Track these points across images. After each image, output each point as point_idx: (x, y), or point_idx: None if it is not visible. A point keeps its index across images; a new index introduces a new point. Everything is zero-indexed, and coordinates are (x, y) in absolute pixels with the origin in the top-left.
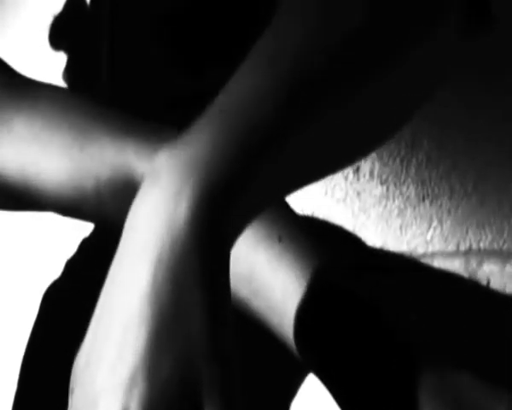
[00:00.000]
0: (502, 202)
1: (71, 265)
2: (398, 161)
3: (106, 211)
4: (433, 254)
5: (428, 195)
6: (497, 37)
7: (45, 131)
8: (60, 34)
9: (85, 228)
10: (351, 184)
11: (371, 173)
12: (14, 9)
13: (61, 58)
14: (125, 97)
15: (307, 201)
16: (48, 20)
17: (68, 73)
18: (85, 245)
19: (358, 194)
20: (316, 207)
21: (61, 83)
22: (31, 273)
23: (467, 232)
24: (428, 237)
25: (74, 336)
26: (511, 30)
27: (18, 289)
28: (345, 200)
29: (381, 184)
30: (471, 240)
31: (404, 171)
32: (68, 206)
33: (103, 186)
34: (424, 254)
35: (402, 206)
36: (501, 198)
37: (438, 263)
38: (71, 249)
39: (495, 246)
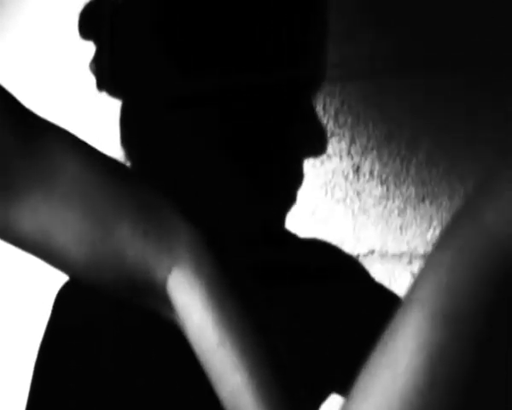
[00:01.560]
0: None
1: None
2: (398, 161)
3: (122, 295)
4: None
5: (428, 195)
6: (497, 37)
7: (64, 210)
8: (89, 24)
9: None
10: (351, 184)
11: (371, 173)
12: (13, 13)
13: (60, 58)
14: (125, 97)
15: (307, 201)
16: (66, 11)
17: (95, 64)
18: None
19: (358, 194)
20: (316, 207)
21: (61, 83)
22: (44, 273)
23: None
24: (428, 237)
25: (87, 338)
26: (511, 30)
27: (31, 289)
28: (345, 200)
29: (381, 184)
30: None
31: (404, 171)
32: (85, 281)
33: (121, 282)
34: (424, 254)
35: (402, 206)
36: None
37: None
38: None
39: None
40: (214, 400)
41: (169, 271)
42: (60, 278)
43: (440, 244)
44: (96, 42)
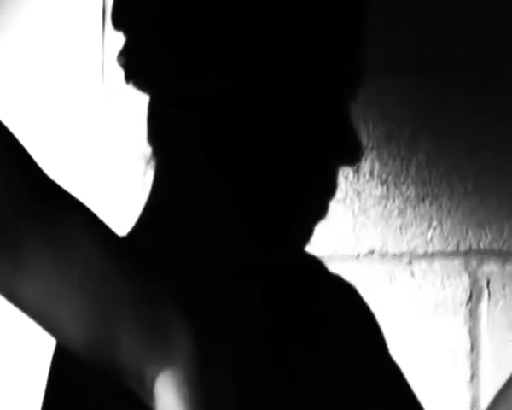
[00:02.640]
0: (502, 202)
1: None
2: (398, 160)
3: (113, 377)
4: (433, 254)
5: (428, 195)
6: (497, 37)
7: (68, 288)
8: (120, 13)
9: (121, 229)
10: (351, 184)
11: (371, 173)
12: (13, 12)
13: (60, 59)
14: (148, 91)
15: None
16: (66, 12)
17: (124, 55)
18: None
19: (358, 194)
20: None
21: (61, 84)
22: None
23: (467, 232)
24: (428, 237)
25: None
26: (511, 30)
27: None
28: (345, 200)
29: (381, 184)
30: (471, 240)
31: (404, 171)
32: (79, 357)
33: (114, 368)
34: (424, 254)
35: (402, 206)
36: (501, 198)
37: (438, 263)
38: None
39: (495, 246)
40: None
41: (160, 373)
42: None
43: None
44: (126, 33)
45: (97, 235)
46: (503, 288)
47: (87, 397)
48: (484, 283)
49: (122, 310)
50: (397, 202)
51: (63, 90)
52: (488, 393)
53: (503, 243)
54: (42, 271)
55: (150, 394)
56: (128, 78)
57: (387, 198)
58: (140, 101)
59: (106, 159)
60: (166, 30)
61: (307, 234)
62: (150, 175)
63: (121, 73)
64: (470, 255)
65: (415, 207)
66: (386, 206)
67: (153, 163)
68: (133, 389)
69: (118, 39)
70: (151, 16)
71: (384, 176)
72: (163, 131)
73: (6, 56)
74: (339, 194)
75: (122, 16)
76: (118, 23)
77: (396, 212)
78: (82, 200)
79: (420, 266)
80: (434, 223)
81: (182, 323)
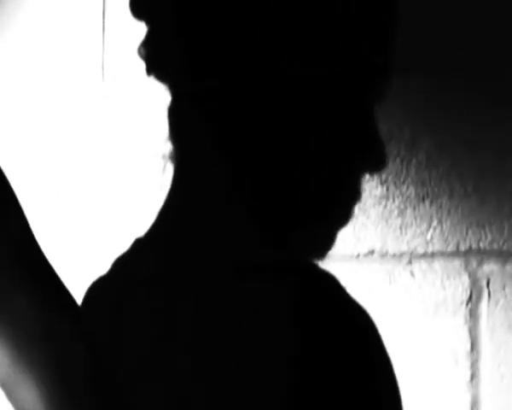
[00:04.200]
0: (502, 202)
1: (119, 263)
2: (398, 161)
3: None
4: (433, 254)
5: (428, 195)
6: (497, 37)
7: (44, 390)
8: (141, 3)
9: (139, 228)
10: None
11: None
12: (13, 11)
13: (60, 59)
14: (167, 82)
15: None
16: (65, 12)
17: (146, 47)
18: (138, 246)
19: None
20: None
21: (61, 84)
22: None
23: (467, 232)
24: (428, 237)
25: (114, 334)
26: (511, 30)
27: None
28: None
29: (381, 184)
30: (471, 240)
31: (404, 171)
32: None
33: None
34: (424, 254)
35: (402, 206)
36: (501, 198)
37: (438, 263)
38: (121, 247)
39: (495, 246)
40: (214, 402)
41: None
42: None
43: None
44: (149, 23)
45: (80, 350)
46: (503, 288)
47: None
48: (484, 283)
49: None
50: (397, 202)
51: (63, 90)
52: (488, 393)
53: (503, 243)
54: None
55: None
56: (149, 70)
57: (387, 198)
58: (141, 100)
59: (102, 158)
60: (187, 26)
61: (308, 234)
62: (164, 176)
63: (123, 71)
64: (470, 255)
65: (415, 207)
66: (386, 206)
67: (170, 161)
68: None
69: (118, 39)
70: (172, 8)
71: (384, 176)
72: (181, 128)
73: (6, 56)
74: None
75: (143, 6)
76: (140, 13)
77: (396, 212)
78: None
79: (420, 266)
80: (434, 223)
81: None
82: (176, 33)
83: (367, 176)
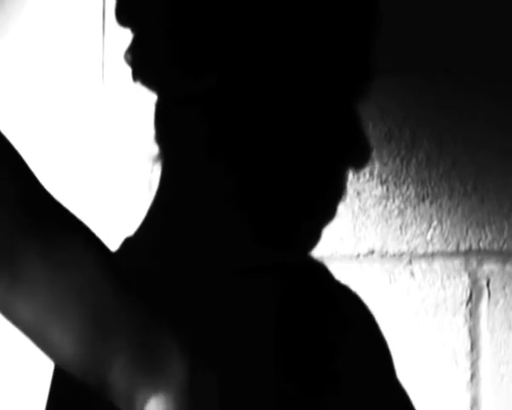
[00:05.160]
0: (502, 202)
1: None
2: (398, 161)
3: (101, 395)
4: (433, 254)
5: (428, 195)
6: (496, 36)
7: (68, 313)
8: (126, 10)
9: (128, 228)
10: (351, 184)
11: (371, 173)
12: (13, 12)
13: (60, 59)
14: (155, 88)
15: None
16: (65, 12)
17: (132, 53)
18: (127, 245)
19: (358, 194)
20: None
21: (61, 84)
22: None
23: (467, 232)
24: (428, 237)
25: None
26: (511, 31)
27: None
28: (345, 200)
29: (381, 184)
30: (471, 240)
31: (404, 171)
32: (70, 372)
33: (103, 390)
34: (424, 254)
35: (402, 206)
36: (501, 198)
37: (438, 263)
38: (110, 246)
39: (495, 246)
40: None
41: (148, 398)
42: None
43: None
44: (134, 30)
45: (96, 256)
46: (503, 288)
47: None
48: (484, 283)
49: (116, 334)
50: (397, 202)
51: (63, 91)
52: (488, 393)
53: (503, 243)
54: (37, 288)
55: None
56: (135, 75)
57: (387, 198)
58: (141, 100)
59: (103, 158)
60: (173, 28)
61: (309, 234)
62: (154, 175)
63: (123, 71)
64: (470, 255)
65: (415, 207)
66: (386, 206)
67: (159, 162)
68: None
69: (118, 39)
70: (158, 14)
71: (384, 176)
72: (168, 130)
73: (5, 57)
74: None
75: (128, 13)
76: (125, 19)
77: (396, 212)
78: (82, 216)
79: (420, 266)
80: (434, 223)
81: (177, 353)
82: (162, 39)
83: (351, 173)
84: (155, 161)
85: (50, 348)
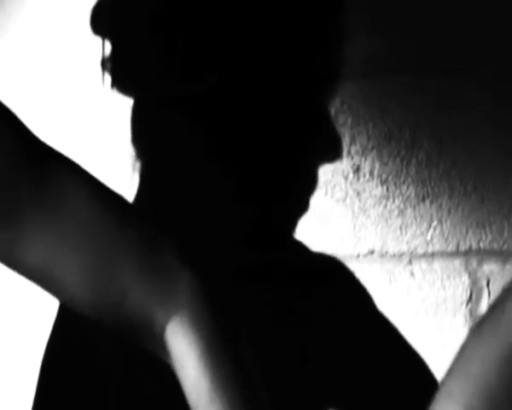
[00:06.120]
0: (502, 202)
1: None
2: (398, 161)
3: (121, 335)
4: (433, 254)
5: (428, 195)
6: (496, 36)
7: (70, 246)
8: (101, 19)
9: None
10: (351, 184)
11: (371, 173)
12: (13, 12)
13: (60, 59)
14: (133, 95)
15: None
16: (65, 13)
17: (109, 61)
18: None
19: (358, 194)
20: (315, 206)
21: (60, 85)
22: None
23: (467, 232)
24: (428, 237)
25: (92, 339)
26: (511, 31)
27: (26, 288)
28: (345, 200)
29: (381, 184)
30: (471, 240)
31: (404, 171)
32: (85, 316)
33: (121, 323)
34: (424, 254)
35: (402, 206)
36: (501, 198)
37: (438, 263)
38: None
39: (495, 246)
40: None
41: (168, 319)
42: None
43: (471, 339)
44: (107, 38)
45: (91, 190)
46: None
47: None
48: (484, 283)
49: (123, 259)
50: (397, 202)
51: (63, 91)
52: None
53: (503, 243)
54: (41, 231)
55: (161, 344)
56: (113, 83)
57: (387, 198)
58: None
59: (104, 160)
60: (166, 29)
61: (292, 231)
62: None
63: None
64: (470, 255)
65: (415, 207)
66: (386, 206)
67: (139, 163)
68: (143, 343)
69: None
70: (151, 15)
71: (384, 176)
72: (151, 132)
73: (5, 57)
74: (339, 194)
75: (104, 23)
76: (100, 30)
77: (396, 212)
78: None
79: (420, 266)
80: (434, 223)
81: (184, 263)
82: (139, 48)
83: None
84: (136, 161)
85: (63, 290)
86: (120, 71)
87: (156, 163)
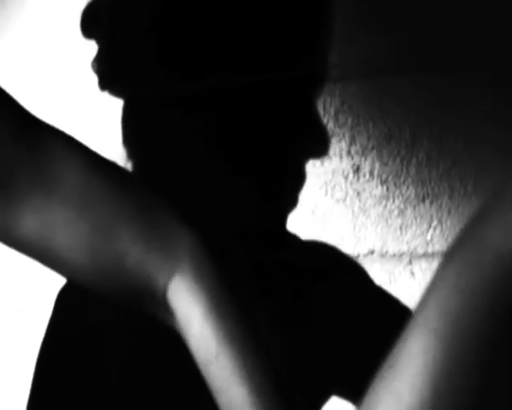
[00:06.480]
0: None
1: None
2: (398, 160)
3: (122, 301)
4: (433, 254)
5: (428, 195)
6: (496, 36)
7: (65, 214)
8: (91, 22)
9: None
10: (351, 184)
11: (371, 173)
12: (13, 13)
13: (60, 58)
14: (124, 96)
15: (307, 201)
16: (64, 13)
17: (98, 62)
18: None
19: (358, 194)
20: (315, 207)
21: (60, 86)
22: (40, 272)
23: None
24: (428, 237)
25: (87, 340)
26: (511, 30)
27: (26, 288)
28: (345, 200)
29: (381, 184)
30: None
31: (404, 171)
32: (86, 286)
33: (122, 288)
34: (424, 254)
35: (402, 206)
36: None
37: (438, 263)
38: None
39: None
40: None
41: (169, 277)
42: (56, 278)
43: (444, 265)
44: (99, 40)
45: (88, 159)
46: None
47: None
48: None
49: (122, 224)
50: (397, 202)
51: (63, 92)
52: None
53: None
54: (36, 201)
55: (164, 305)
56: (102, 85)
57: (387, 198)
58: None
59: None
60: (165, 30)
61: (282, 227)
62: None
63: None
64: None
65: (415, 207)
66: (386, 206)
67: (139, 163)
68: (146, 308)
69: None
70: (150, 16)
71: (384, 176)
72: (151, 132)
73: (5, 58)
74: (339, 194)
75: (93, 26)
76: (89, 33)
77: (396, 212)
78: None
79: (420, 266)
80: (434, 223)
81: (183, 223)
82: (138, 48)
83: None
84: (135, 161)
85: (60, 262)
86: (120, 71)
87: (156, 163)
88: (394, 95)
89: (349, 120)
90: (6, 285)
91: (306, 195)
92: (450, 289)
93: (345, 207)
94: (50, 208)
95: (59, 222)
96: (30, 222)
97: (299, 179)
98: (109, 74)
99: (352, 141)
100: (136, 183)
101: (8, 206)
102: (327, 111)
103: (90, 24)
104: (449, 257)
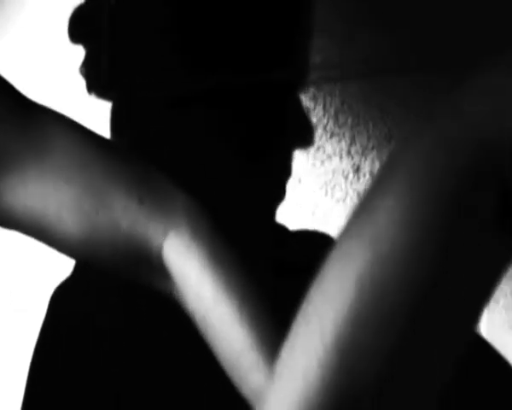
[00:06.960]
0: None
1: (81, 265)
2: None
3: (118, 268)
4: None
5: None
6: (496, 36)
7: (57, 183)
8: (79, 26)
9: None
10: (351, 184)
11: (371, 173)
12: (12, 13)
13: (60, 57)
14: (124, 96)
15: (307, 201)
16: (65, 13)
17: (86, 67)
18: None
19: (358, 194)
20: (316, 207)
21: (60, 86)
22: (40, 272)
23: None
24: None
25: (82, 337)
26: (510, 30)
27: (26, 288)
28: (345, 200)
29: None
30: None
31: None
32: (82, 257)
33: (118, 253)
34: None
35: None
36: None
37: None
38: None
39: None
40: (217, 399)
41: (164, 236)
42: (56, 278)
43: (418, 131)
44: (87, 45)
45: (76, 130)
46: (503, 288)
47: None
48: None
49: (114, 190)
50: None
51: (62, 92)
52: None
53: None
54: (28, 172)
55: (160, 269)
56: (90, 89)
57: None
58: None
59: None
60: (167, 30)
61: (270, 220)
62: None
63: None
64: None
65: None
66: None
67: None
68: (141, 275)
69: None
70: (153, 16)
71: None
72: (151, 132)
73: (5, 58)
74: (339, 194)
75: (80, 31)
76: (76, 37)
77: None
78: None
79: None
80: None
81: (176, 188)
82: (138, 48)
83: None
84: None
85: (53, 235)
86: (119, 71)
87: (156, 163)
88: (394, 95)
89: (349, 120)
90: (6, 285)
91: (306, 195)
92: (424, 160)
93: (345, 207)
94: (43, 178)
95: (50, 190)
96: (23, 194)
97: (287, 172)
98: (115, 73)
99: (352, 141)
100: (128, 151)
101: (1, 177)
102: (327, 111)
103: (79, 28)
104: (424, 125)
